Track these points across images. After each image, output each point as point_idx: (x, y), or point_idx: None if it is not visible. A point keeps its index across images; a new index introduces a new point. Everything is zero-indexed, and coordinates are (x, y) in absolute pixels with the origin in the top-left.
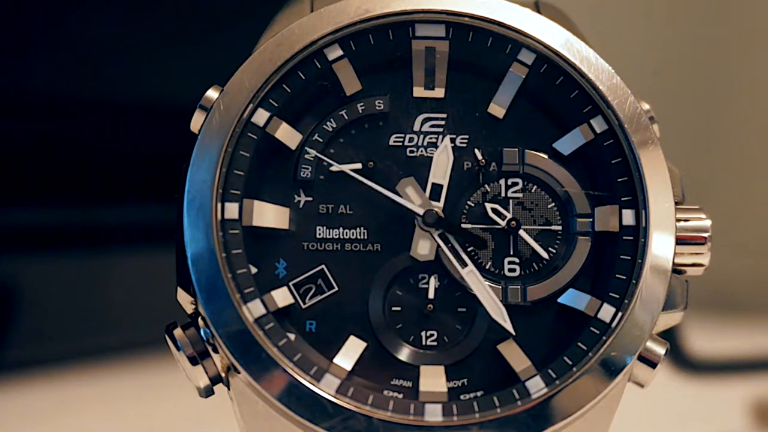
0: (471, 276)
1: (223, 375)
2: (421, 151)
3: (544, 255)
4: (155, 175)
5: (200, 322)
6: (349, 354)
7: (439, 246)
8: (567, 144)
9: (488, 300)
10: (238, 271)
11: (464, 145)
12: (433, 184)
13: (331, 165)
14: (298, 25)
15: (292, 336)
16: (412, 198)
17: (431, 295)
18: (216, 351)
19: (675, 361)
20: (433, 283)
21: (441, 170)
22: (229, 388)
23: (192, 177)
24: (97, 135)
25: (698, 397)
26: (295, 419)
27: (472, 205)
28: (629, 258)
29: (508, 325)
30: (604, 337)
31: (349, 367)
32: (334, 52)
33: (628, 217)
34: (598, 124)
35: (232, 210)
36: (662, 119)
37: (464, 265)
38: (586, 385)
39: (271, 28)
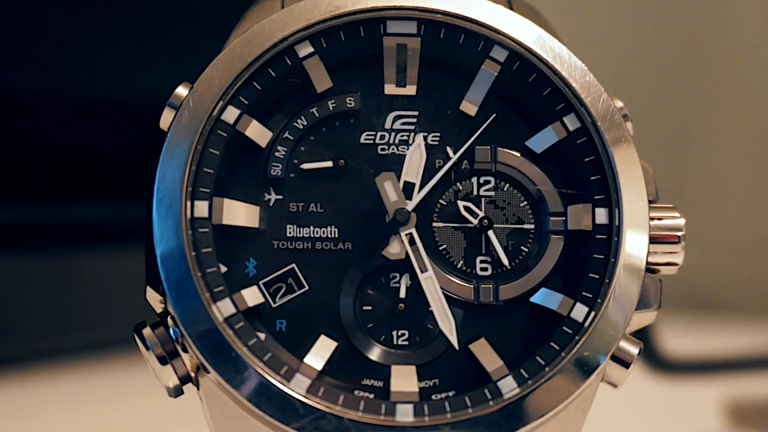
0: (428, 282)
1: (192, 375)
2: (393, 149)
3: (505, 261)
4: (124, 173)
5: (169, 321)
6: (320, 353)
7: (413, 243)
8: (540, 142)
9: (440, 310)
10: (208, 269)
11: (436, 143)
12: (405, 182)
13: (301, 164)
14: (268, 21)
15: (262, 335)
16: (389, 194)
17: (402, 294)
18: (185, 350)
19: (648, 361)
20: (404, 282)
21: (414, 168)
22: (198, 388)
23: (161, 175)
24: (66, 132)
25: (672, 397)
26: (265, 419)
27: (444, 203)
28: (602, 257)
29: (453, 339)
30: (576, 337)
31: (319, 366)
32: (305, 49)
33: (602, 215)
34: (571, 122)
35: (201, 208)
36: (636, 117)
37: (424, 270)
38: (559, 385)
39: (241, 25)
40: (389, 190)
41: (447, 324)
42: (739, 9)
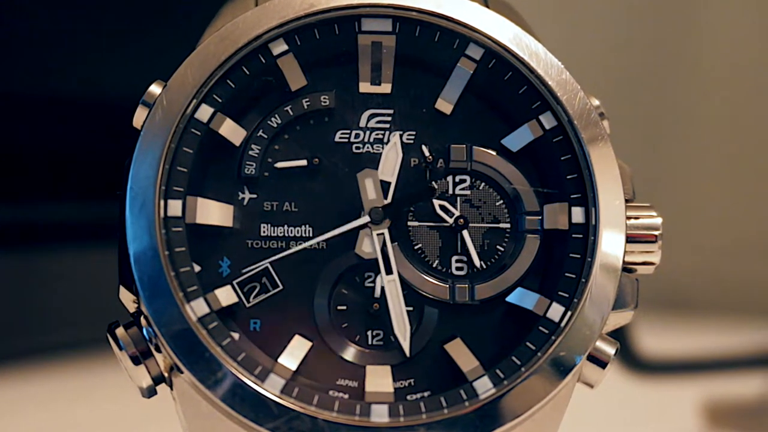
0: (391, 285)
1: (166, 375)
2: (367, 148)
3: (477, 263)
4: (97, 172)
5: (143, 321)
6: (294, 353)
7: (384, 245)
8: (516, 140)
9: (397, 314)
10: (182, 269)
11: (411, 141)
12: (381, 180)
13: (275, 163)
14: (242, 19)
15: (236, 335)
16: (368, 191)
17: (377, 294)
18: (159, 350)
19: (625, 361)
20: (379, 282)
21: (390, 167)
22: (172, 388)
23: (135, 174)
24: (38, 130)
25: (649, 398)
26: (239, 420)
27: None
28: (579, 256)
29: (406, 346)
30: (553, 337)
31: (294, 366)
32: (279, 47)
33: (578, 214)
34: (547, 120)
35: (175, 207)
36: (613, 115)
37: (389, 272)
38: (535, 386)
39: (215, 23)
40: (369, 188)
41: (402, 330)
42: (715, 7)
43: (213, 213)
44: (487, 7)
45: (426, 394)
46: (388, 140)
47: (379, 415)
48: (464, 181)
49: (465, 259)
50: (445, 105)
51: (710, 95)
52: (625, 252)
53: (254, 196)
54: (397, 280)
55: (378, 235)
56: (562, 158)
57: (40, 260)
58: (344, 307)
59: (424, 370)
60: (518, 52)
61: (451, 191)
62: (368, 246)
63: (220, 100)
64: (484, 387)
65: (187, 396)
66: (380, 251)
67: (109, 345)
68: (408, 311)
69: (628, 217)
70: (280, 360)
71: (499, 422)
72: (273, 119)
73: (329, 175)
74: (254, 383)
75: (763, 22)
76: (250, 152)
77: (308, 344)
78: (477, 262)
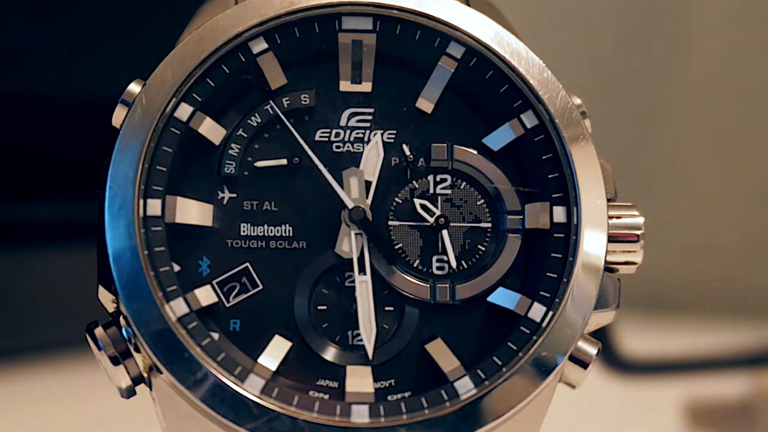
0: (362, 286)
1: (145, 375)
2: (348, 147)
3: (453, 264)
4: (76, 171)
5: (122, 321)
6: (274, 354)
7: (363, 244)
8: (497, 139)
9: (365, 316)
10: (161, 269)
11: (392, 140)
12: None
13: (255, 162)
14: (222, 17)
15: (215, 335)
16: (352, 190)
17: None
18: (138, 351)
19: (607, 362)
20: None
21: (371, 167)
22: (151, 389)
23: (114, 173)
24: (17, 130)
25: (631, 398)
26: (219, 420)
27: (400, 201)
28: (560, 256)
29: (370, 349)
30: (534, 337)
31: (273, 367)
32: (259, 46)
33: (560, 214)
34: (529, 119)
35: (154, 207)
36: (594, 114)
37: (362, 272)
38: (516, 386)
39: (194, 21)
40: (353, 187)
41: (368, 332)
42: (701, 6)
43: (192, 212)
44: (469, 5)
45: (407, 394)
46: (369, 139)
47: (360, 415)
48: (445, 180)
49: (446, 258)
50: (425, 104)
51: (695, 94)
52: (607, 251)
53: (234, 195)
54: (369, 281)
55: (356, 234)
56: (544, 157)
57: (18, 260)
58: (324, 307)
59: (405, 370)
60: (499, 50)
61: (431, 190)
62: (348, 245)
63: (199, 99)
64: (465, 387)
65: (167, 396)
66: (355, 251)
67: (88, 345)
68: (388, 311)
69: (610, 217)
70: (260, 360)
71: (480, 423)
72: (253, 118)
73: (309, 175)
74: (234, 384)
75: (749, 21)
76: (230, 151)
77: (288, 344)
78: (453, 263)
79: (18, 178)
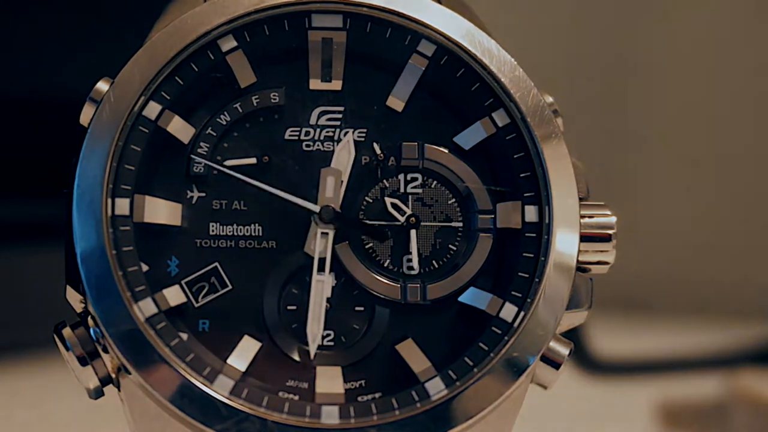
0: (317, 285)
1: (113, 376)
2: (318, 146)
3: (415, 266)
4: (43, 170)
5: (90, 321)
6: (244, 354)
7: (328, 244)
8: (468, 138)
9: (314, 315)
10: (129, 268)
11: (362, 139)
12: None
13: (224, 161)
14: (191, 15)
15: (184, 336)
16: (327, 189)
17: (328, 293)
18: (106, 351)
19: (579, 362)
20: (328, 281)
21: (341, 166)
22: (119, 390)
23: (81, 172)
24: None
25: (603, 399)
26: (188, 421)
27: (371, 200)
28: (532, 255)
29: (312, 350)
30: (506, 337)
31: (243, 367)
32: (228, 43)
33: (531, 213)
34: (500, 118)
35: (122, 206)
36: (566, 113)
37: (321, 271)
38: (488, 387)
39: (163, 19)
40: (329, 186)
41: (314, 332)
42: (672, 6)
43: (161, 212)
44: (439, 2)
45: (377, 395)
46: (339, 138)
47: (330, 416)
48: (416, 179)
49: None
50: (396, 102)
51: (668, 93)
52: (579, 251)
53: (203, 194)
54: (327, 281)
55: (322, 233)
56: (515, 156)
57: None
58: (294, 307)
59: (376, 370)
60: (471, 48)
61: (402, 189)
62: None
63: (168, 98)
64: (436, 388)
65: (135, 397)
66: (317, 250)
67: (55, 346)
68: (358, 311)
69: (582, 216)
70: (229, 361)
71: (452, 424)
72: (222, 117)
73: (279, 174)
74: (203, 384)
75: (720, 21)
76: (199, 150)
77: (258, 345)
78: (416, 265)
79: None
